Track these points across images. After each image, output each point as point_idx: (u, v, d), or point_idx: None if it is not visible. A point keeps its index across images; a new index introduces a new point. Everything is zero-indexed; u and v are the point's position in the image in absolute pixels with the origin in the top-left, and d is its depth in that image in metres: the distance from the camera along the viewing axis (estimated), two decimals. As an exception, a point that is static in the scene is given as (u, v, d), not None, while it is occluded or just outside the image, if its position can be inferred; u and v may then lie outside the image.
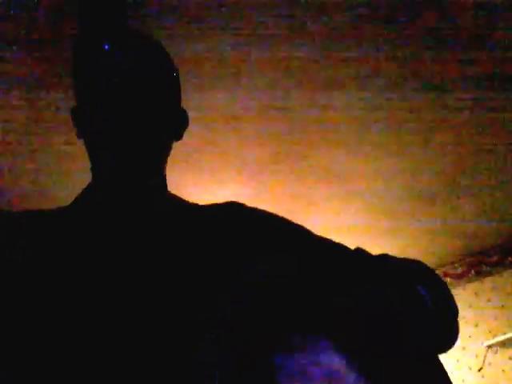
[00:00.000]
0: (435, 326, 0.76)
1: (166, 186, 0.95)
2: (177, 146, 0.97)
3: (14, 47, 2.07)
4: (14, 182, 2.84)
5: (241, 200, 0.94)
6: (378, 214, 3.37)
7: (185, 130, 0.97)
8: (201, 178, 2.93)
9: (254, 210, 0.92)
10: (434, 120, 2.63)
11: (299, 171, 2.96)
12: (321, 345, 0.61)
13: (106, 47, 0.86)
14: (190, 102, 0.97)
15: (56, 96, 2.28)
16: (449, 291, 0.83)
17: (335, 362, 0.61)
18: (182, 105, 0.97)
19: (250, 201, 0.94)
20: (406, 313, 0.72)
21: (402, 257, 0.84)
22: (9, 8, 1.90)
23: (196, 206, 0.95)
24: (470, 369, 3.69)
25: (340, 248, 0.87)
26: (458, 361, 3.65)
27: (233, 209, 0.92)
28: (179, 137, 0.96)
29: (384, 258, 0.84)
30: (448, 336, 0.80)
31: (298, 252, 0.84)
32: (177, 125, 0.95)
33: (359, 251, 0.85)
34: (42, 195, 2.88)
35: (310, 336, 0.61)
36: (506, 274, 3.85)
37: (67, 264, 0.79)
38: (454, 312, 0.82)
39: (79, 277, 0.77)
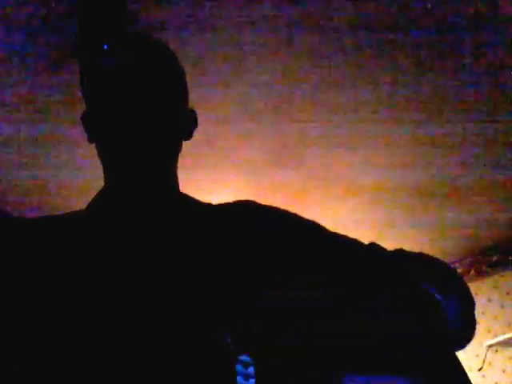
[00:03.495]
0: (451, 326, 0.76)
1: (178, 185, 0.95)
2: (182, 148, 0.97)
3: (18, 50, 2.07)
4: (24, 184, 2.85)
5: (241, 199, 0.94)
6: (377, 214, 3.37)
7: (194, 130, 0.97)
8: (200, 178, 2.93)
9: (267, 208, 0.92)
10: (435, 118, 2.63)
11: (299, 171, 2.96)
12: None
13: (111, 50, 0.86)
14: (190, 101, 0.98)
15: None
16: (467, 288, 0.84)
17: None
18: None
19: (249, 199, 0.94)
20: (421, 316, 0.72)
21: (417, 252, 0.84)
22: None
23: (209, 205, 0.95)
24: (470, 369, 3.69)
25: (355, 244, 0.87)
26: (457, 361, 3.64)
27: (245, 207, 0.92)
28: (189, 136, 0.96)
29: (400, 254, 0.84)
30: (464, 335, 0.81)
31: (315, 250, 0.84)
32: (186, 125, 0.95)
33: (374, 246, 0.85)
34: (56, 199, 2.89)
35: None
36: (506, 274, 3.85)
37: (85, 268, 0.79)
38: (470, 313, 0.83)
39: (97, 279, 0.78)
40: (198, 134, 0.99)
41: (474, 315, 0.83)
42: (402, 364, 0.69)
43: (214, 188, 3.01)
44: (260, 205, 0.93)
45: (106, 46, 0.87)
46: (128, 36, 0.90)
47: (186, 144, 0.98)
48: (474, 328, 0.83)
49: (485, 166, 2.96)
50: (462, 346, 0.82)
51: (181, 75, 0.94)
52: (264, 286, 0.68)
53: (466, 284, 0.85)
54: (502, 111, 2.59)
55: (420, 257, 0.83)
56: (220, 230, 0.87)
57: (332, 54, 2.25)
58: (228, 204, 0.94)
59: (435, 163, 2.94)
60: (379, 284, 0.71)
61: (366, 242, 0.87)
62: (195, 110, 0.98)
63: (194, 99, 1.02)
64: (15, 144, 2.58)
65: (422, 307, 0.73)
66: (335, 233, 0.89)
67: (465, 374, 0.78)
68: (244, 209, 0.91)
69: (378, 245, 0.85)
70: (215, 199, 0.99)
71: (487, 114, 2.60)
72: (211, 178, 2.97)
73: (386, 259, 0.82)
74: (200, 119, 0.98)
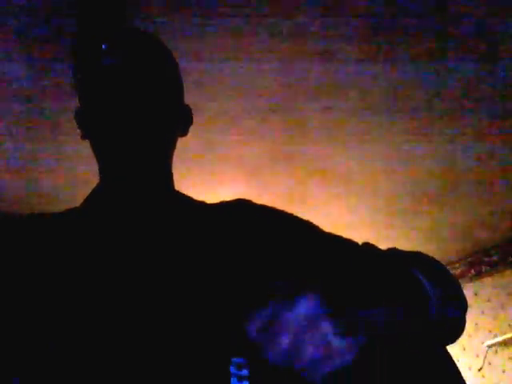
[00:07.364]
0: (442, 318, 0.76)
1: (173, 183, 0.95)
2: (176, 144, 0.97)
3: (15, 47, 2.07)
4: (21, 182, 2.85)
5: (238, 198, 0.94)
6: (377, 214, 3.37)
7: (189, 126, 0.97)
8: (200, 177, 2.93)
9: (262, 207, 0.92)
10: (435, 119, 2.63)
11: (299, 170, 2.96)
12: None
13: (106, 46, 0.86)
14: (189, 101, 0.98)
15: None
16: (458, 284, 0.83)
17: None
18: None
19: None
20: (411, 305, 0.72)
21: (411, 250, 0.84)
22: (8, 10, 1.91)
23: (204, 204, 0.95)
24: (470, 369, 3.69)
25: (350, 243, 0.87)
26: (458, 361, 3.64)
27: (241, 206, 0.92)
28: (184, 133, 0.96)
29: (393, 252, 0.84)
30: (454, 328, 0.81)
31: (308, 247, 0.84)
32: (181, 121, 0.95)
33: (367, 246, 0.86)
34: (53, 197, 2.89)
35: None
36: (506, 274, 3.85)
37: (79, 266, 0.79)
38: (461, 303, 0.82)
39: (91, 278, 0.77)
40: (197, 134, 0.99)
41: (463, 308, 0.82)
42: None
43: (213, 187, 3.01)
44: (255, 204, 0.92)
45: (104, 46, 0.86)
46: (123, 32, 0.90)
47: (185, 143, 0.98)
48: (463, 325, 0.83)
49: (485, 165, 2.97)
50: (451, 340, 0.82)
51: (175, 71, 0.94)
52: (257, 286, 0.68)
53: (460, 286, 0.84)
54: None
55: (415, 254, 0.83)
56: (214, 228, 0.87)
57: (333, 52, 2.25)
58: (222, 203, 0.93)
59: (435, 163, 2.94)
60: (375, 280, 0.71)
61: (361, 242, 0.88)
62: (195, 110, 0.97)
63: (193, 98, 1.02)
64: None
65: (415, 297, 0.73)
66: (330, 232, 0.89)
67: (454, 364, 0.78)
68: (239, 208, 0.91)
69: (372, 244, 0.86)
70: (214, 198, 0.98)
71: (488, 117, 2.60)
72: (210, 178, 2.97)
73: (380, 256, 0.82)
74: (199, 119, 0.98)
